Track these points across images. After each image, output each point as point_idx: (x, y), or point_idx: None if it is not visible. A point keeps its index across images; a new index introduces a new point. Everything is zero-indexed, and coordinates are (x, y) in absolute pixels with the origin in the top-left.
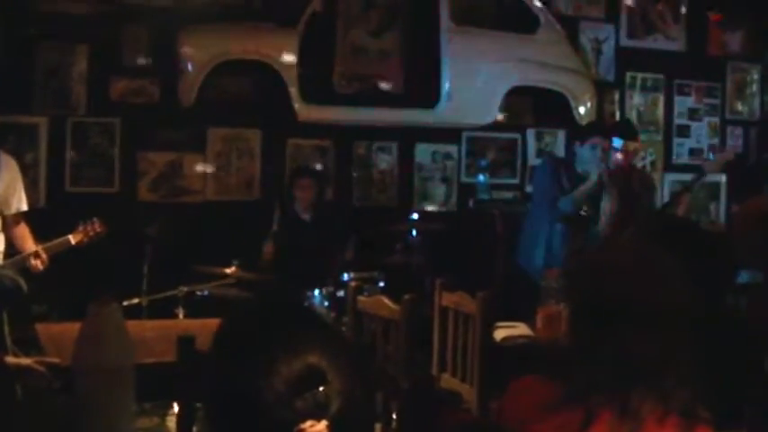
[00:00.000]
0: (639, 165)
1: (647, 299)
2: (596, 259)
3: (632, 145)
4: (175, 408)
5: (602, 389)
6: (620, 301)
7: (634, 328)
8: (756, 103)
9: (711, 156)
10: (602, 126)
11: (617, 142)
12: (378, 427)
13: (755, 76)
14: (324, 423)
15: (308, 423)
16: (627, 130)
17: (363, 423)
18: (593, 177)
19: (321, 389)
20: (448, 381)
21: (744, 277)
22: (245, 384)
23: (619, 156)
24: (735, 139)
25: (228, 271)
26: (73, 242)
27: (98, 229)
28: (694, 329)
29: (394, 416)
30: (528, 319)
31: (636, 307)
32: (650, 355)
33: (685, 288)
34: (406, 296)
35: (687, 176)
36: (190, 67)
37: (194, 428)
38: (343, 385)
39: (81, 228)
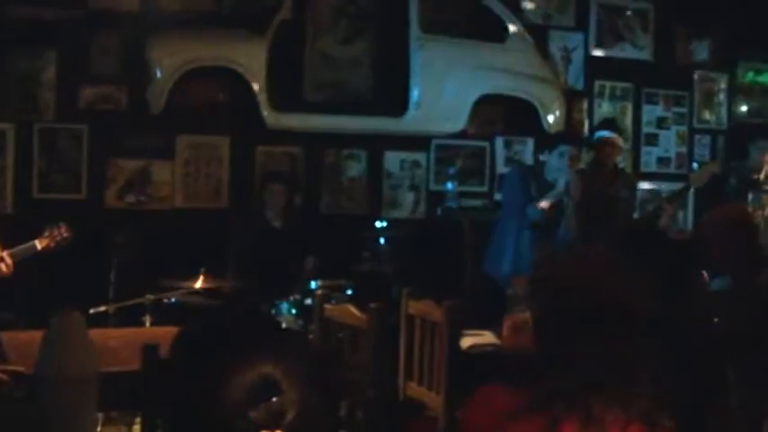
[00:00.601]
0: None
1: (611, 307)
2: (561, 268)
3: (620, 140)
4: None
5: (566, 397)
6: (584, 309)
7: (598, 336)
8: (724, 112)
9: (695, 166)
10: (570, 134)
11: (608, 134)
12: None
13: (723, 86)
14: None
15: None
16: (614, 126)
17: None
18: (561, 185)
19: (275, 399)
20: (414, 389)
21: (717, 284)
22: (199, 394)
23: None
24: (702, 148)
25: (196, 279)
26: (39, 247)
27: (65, 234)
28: (658, 337)
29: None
30: (495, 327)
31: (599, 315)
32: (614, 363)
33: (650, 296)
34: (373, 304)
35: (656, 185)
36: (159, 73)
37: None
38: (299, 394)
39: (47, 233)
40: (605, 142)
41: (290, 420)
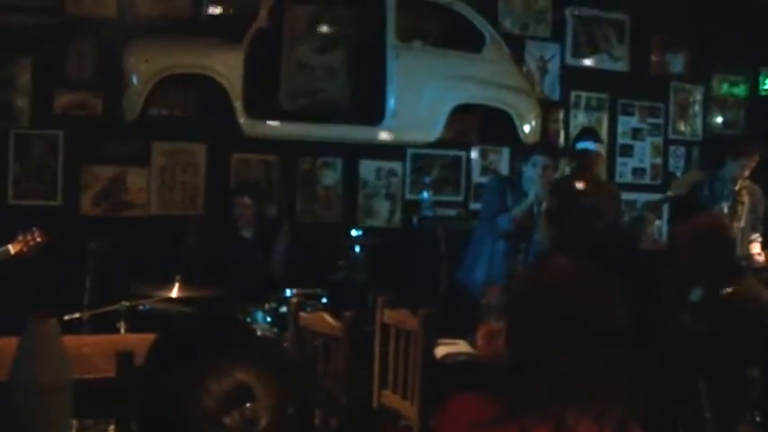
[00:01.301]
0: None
1: (583, 317)
2: (534, 277)
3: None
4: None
5: (538, 406)
6: (557, 319)
7: (570, 347)
8: (699, 123)
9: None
10: (544, 144)
11: (592, 146)
12: None
13: (698, 97)
14: None
15: None
16: (596, 136)
17: None
18: (531, 196)
19: (249, 405)
20: (389, 397)
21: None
22: (174, 401)
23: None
24: (677, 159)
25: (171, 286)
26: (12, 252)
27: (38, 239)
28: (630, 348)
29: None
30: (469, 337)
31: (572, 325)
32: (586, 373)
33: (622, 307)
34: (348, 313)
35: (631, 196)
36: (134, 80)
37: None
38: (273, 401)
39: (21, 237)
40: (590, 153)
41: (263, 427)
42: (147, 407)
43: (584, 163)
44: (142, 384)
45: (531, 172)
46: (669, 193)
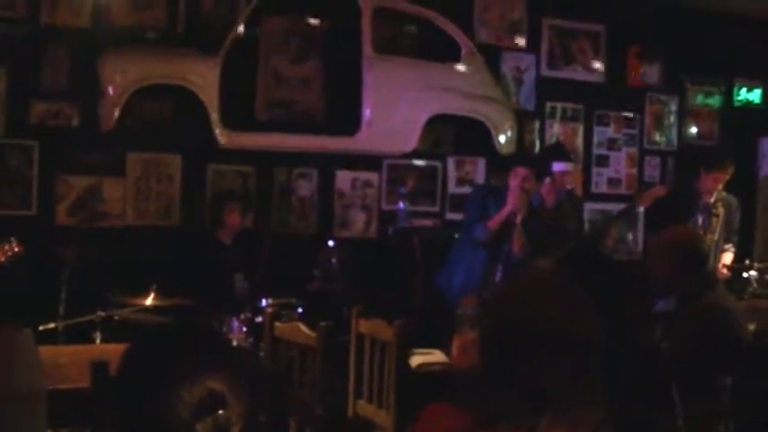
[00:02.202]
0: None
1: (557, 328)
2: (508, 288)
3: (576, 167)
4: None
5: (511, 416)
6: (531, 329)
7: (544, 357)
8: (674, 133)
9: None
10: (527, 156)
11: (558, 167)
12: None
13: (673, 108)
14: None
15: None
16: (563, 153)
17: None
18: (508, 207)
19: (221, 412)
20: (364, 407)
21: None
22: (147, 409)
23: (563, 179)
24: (652, 169)
25: (147, 296)
26: None
27: (16, 249)
28: (603, 357)
29: None
30: (444, 346)
31: (545, 336)
32: (559, 383)
33: (595, 317)
34: (323, 323)
35: (606, 206)
36: (110, 90)
37: None
38: (245, 409)
39: None
40: (562, 174)
41: None
42: (120, 416)
43: (555, 183)
44: (115, 394)
45: (513, 183)
46: (632, 205)
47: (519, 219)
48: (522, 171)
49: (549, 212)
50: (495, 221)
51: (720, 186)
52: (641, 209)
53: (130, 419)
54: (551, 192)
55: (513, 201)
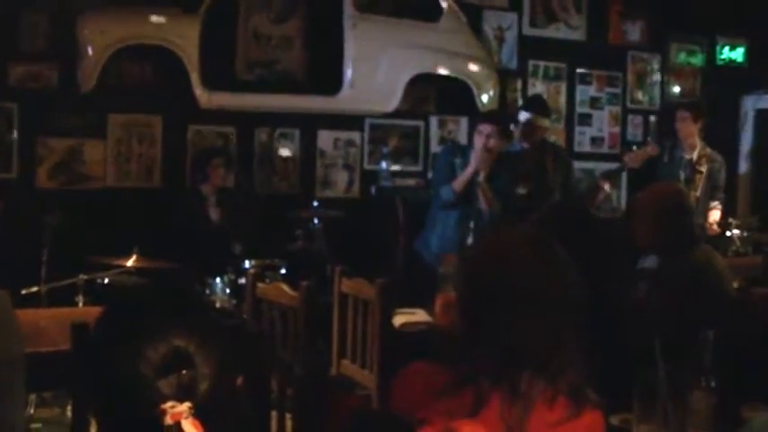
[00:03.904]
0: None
1: (535, 285)
2: (484, 247)
3: (541, 120)
4: None
5: (492, 372)
6: (508, 287)
7: (522, 314)
8: (656, 92)
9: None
10: (490, 113)
11: (523, 116)
12: (273, 414)
13: (655, 66)
14: (186, 405)
15: (169, 404)
16: (537, 105)
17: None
18: (472, 165)
19: (186, 371)
20: (347, 367)
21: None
22: (111, 368)
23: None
24: (635, 127)
25: (129, 258)
26: None
27: None
28: (583, 314)
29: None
30: (427, 306)
31: (524, 293)
32: (538, 339)
33: (574, 274)
34: (304, 282)
35: (589, 164)
36: (90, 51)
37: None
38: (212, 370)
39: None
40: (524, 123)
41: (201, 394)
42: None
43: (523, 132)
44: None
45: (477, 141)
46: (623, 164)
47: (482, 176)
48: (484, 128)
49: (531, 157)
50: (459, 182)
51: (691, 138)
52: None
53: (97, 379)
54: (523, 141)
55: (474, 159)
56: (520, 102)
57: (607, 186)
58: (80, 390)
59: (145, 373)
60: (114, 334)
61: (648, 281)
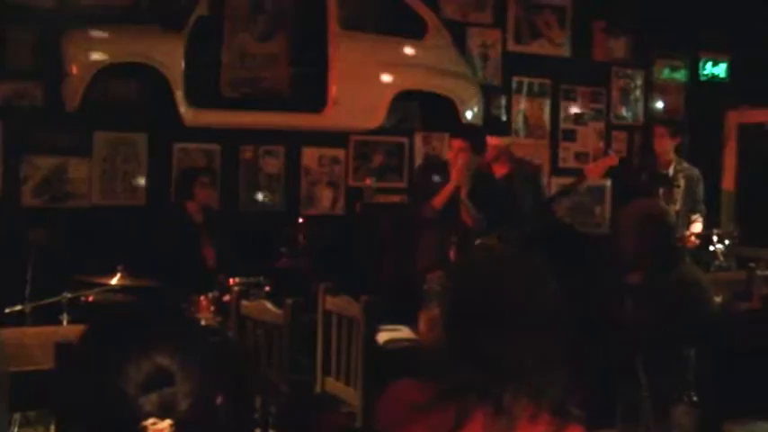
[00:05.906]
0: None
1: (519, 301)
2: (470, 263)
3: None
4: None
5: (476, 388)
6: (493, 303)
7: (507, 330)
8: (640, 108)
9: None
10: (464, 127)
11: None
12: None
13: (639, 82)
14: (167, 422)
15: (150, 421)
16: (496, 127)
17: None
18: (451, 182)
19: (167, 389)
20: (332, 384)
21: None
22: (94, 383)
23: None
24: (618, 143)
25: (113, 276)
26: None
27: None
28: (566, 331)
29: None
30: (411, 323)
31: (507, 309)
32: (522, 356)
33: (557, 291)
34: (289, 300)
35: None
36: (75, 70)
37: None
38: (194, 387)
39: None
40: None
41: (182, 412)
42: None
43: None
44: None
45: (451, 156)
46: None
47: (463, 193)
48: (455, 143)
49: (499, 182)
50: (439, 199)
51: (667, 155)
52: (588, 181)
53: (79, 397)
54: (494, 163)
55: (454, 176)
56: (504, 118)
57: (565, 201)
58: (64, 409)
59: (127, 390)
60: (97, 351)
61: (633, 297)
